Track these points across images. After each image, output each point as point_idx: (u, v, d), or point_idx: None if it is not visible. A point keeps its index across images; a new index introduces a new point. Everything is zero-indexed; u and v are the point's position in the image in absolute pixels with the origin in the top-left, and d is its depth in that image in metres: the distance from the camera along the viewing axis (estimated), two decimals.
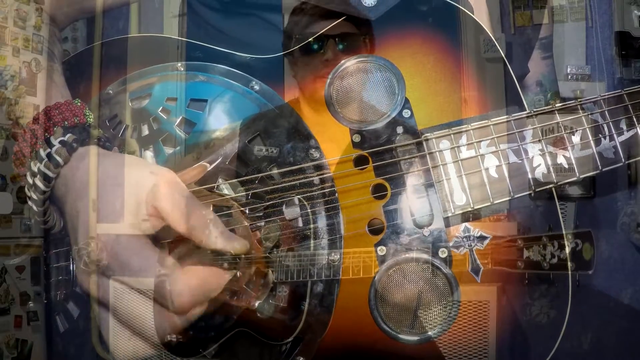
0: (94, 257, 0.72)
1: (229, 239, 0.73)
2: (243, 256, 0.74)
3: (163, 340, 0.74)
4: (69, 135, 0.75)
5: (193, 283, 0.72)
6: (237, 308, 0.76)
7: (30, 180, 0.76)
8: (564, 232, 0.77)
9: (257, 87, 0.82)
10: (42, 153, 0.75)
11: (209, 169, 0.79)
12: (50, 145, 0.75)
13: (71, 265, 0.83)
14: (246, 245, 0.73)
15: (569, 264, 0.76)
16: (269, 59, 0.83)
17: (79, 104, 0.79)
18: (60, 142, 0.75)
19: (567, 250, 0.76)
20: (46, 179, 0.75)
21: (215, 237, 0.72)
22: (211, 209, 0.76)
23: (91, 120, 0.78)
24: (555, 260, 0.77)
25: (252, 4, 0.94)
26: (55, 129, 0.76)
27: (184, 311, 0.72)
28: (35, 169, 0.75)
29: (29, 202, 0.78)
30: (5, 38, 0.89)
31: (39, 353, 1.19)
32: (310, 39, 0.83)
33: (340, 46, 0.83)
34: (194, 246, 0.73)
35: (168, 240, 0.75)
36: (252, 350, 0.79)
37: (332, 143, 0.78)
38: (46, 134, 0.76)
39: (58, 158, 0.74)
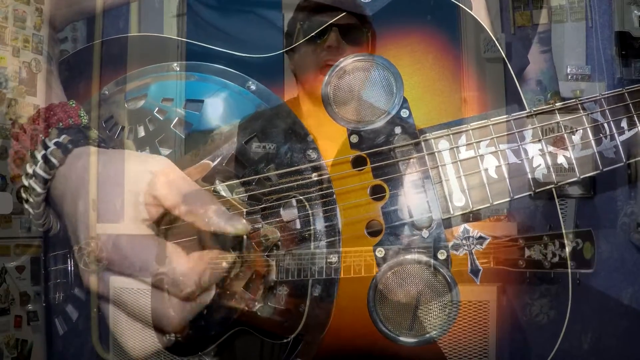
0: (93, 256, 0.72)
1: (229, 219, 0.72)
2: (244, 238, 0.73)
3: (166, 337, 0.74)
4: (63, 136, 0.75)
5: (198, 265, 0.71)
6: (237, 309, 0.75)
7: (26, 182, 0.76)
8: (564, 231, 0.77)
9: (253, 87, 0.81)
10: (38, 155, 0.75)
11: (210, 167, 0.79)
12: (45, 147, 0.75)
13: (70, 265, 0.83)
14: (246, 225, 0.72)
15: (570, 262, 0.76)
16: (269, 57, 0.83)
17: (73, 105, 0.79)
18: (55, 144, 0.75)
19: (568, 249, 0.76)
20: (42, 180, 0.75)
21: (215, 217, 0.71)
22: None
23: (85, 121, 0.78)
24: (556, 259, 0.76)
25: (252, 2, 0.94)
26: (50, 130, 0.76)
27: (191, 295, 0.71)
28: (31, 171, 0.75)
29: (26, 205, 0.78)
30: (5, 38, 0.89)
31: (39, 353, 1.19)
32: (314, 28, 0.82)
33: (342, 36, 0.82)
34: (195, 230, 0.72)
35: (169, 226, 0.74)
36: (252, 350, 0.79)
37: (330, 144, 0.77)
38: (41, 136, 0.76)
39: (53, 159, 0.74)
